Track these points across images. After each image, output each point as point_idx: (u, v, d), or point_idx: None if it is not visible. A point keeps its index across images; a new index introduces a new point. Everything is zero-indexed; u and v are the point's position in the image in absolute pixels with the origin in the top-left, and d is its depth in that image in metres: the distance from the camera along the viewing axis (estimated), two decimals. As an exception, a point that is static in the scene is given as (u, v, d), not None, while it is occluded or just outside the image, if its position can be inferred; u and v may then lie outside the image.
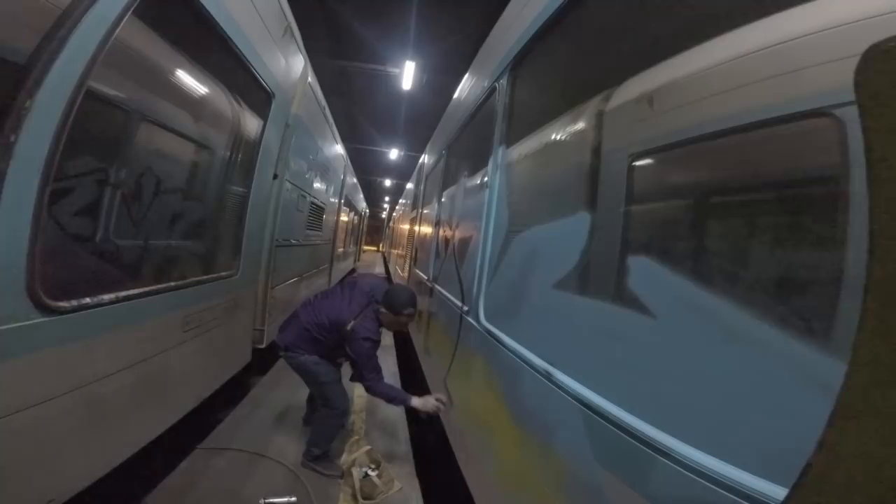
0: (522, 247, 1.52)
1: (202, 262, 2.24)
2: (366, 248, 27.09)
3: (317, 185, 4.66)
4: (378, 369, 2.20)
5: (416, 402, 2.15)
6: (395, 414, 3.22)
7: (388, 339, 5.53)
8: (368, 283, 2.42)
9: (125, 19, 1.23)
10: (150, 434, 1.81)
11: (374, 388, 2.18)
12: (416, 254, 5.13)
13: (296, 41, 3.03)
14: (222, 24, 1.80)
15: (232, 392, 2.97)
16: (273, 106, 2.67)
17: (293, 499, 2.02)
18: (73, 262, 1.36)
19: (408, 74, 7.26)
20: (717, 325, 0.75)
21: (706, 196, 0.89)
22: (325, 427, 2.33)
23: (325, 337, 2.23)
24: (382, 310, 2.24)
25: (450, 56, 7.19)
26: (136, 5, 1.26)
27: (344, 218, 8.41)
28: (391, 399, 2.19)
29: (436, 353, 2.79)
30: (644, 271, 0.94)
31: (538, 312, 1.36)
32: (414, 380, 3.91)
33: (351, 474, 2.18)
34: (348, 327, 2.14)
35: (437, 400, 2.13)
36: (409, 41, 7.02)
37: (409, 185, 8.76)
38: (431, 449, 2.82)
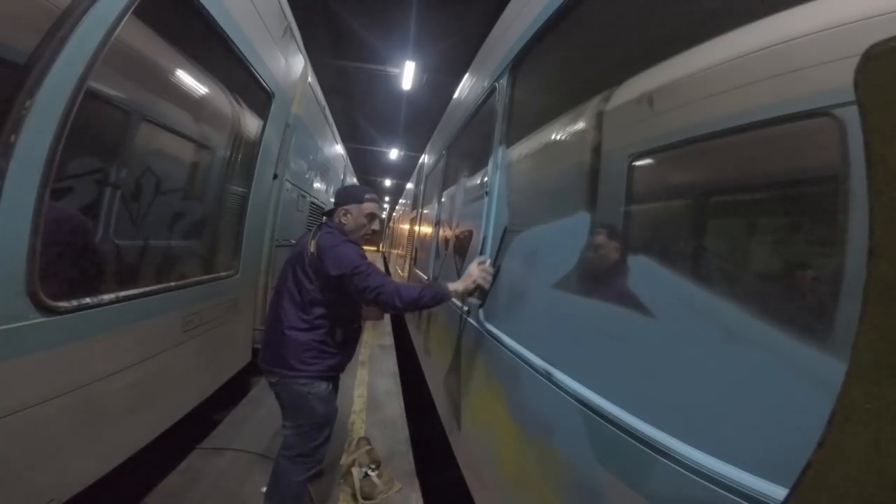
0: (522, 247, 1.52)
1: (202, 262, 2.24)
2: (366, 247, 27.02)
3: (317, 185, 4.66)
4: (379, 270, 1.58)
5: (457, 286, 1.57)
6: (395, 413, 3.22)
7: (387, 338, 5.52)
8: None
9: (125, 19, 1.23)
10: (151, 434, 1.81)
11: (398, 291, 1.50)
12: (416, 253, 5.13)
13: (296, 41, 3.03)
14: (222, 24, 1.80)
15: (232, 392, 2.97)
16: (273, 106, 2.67)
17: None
18: (73, 262, 1.36)
19: (408, 74, 7.27)
20: (717, 325, 0.75)
21: (706, 196, 0.89)
22: (294, 484, 1.68)
23: (309, 309, 1.62)
24: (343, 207, 1.75)
25: (450, 56, 7.20)
26: (136, 5, 1.26)
27: (344, 218, 8.39)
28: (422, 301, 1.52)
29: (436, 353, 2.79)
30: (644, 271, 0.94)
31: (538, 312, 1.36)
32: (414, 380, 3.91)
33: (351, 474, 2.18)
34: (311, 250, 1.60)
35: (480, 264, 1.59)
36: (409, 41, 7.03)
37: (409, 185, 8.76)
38: (431, 449, 2.82)
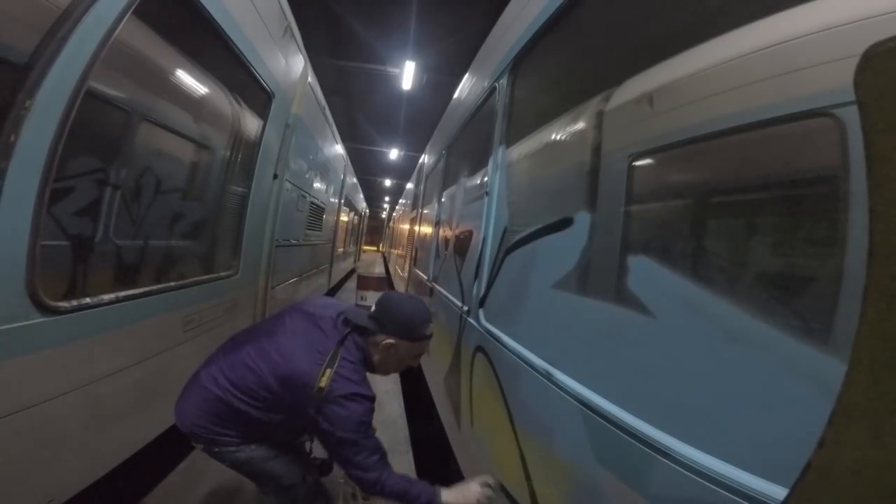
0: (523, 247, 1.52)
1: (202, 262, 2.24)
2: (366, 247, 27.15)
3: (317, 185, 4.65)
4: (380, 449, 1.30)
5: (449, 496, 1.28)
6: (396, 413, 3.22)
7: (388, 339, 5.50)
8: (329, 306, 1.44)
9: (125, 19, 1.23)
10: (151, 434, 1.81)
11: (383, 483, 1.24)
12: (416, 254, 5.13)
13: (296, 41, 3.02)
14: (222, 24, 1.80)
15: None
16: (273, 106, 2.67)
17: None
18: (73, 262, 1.36)
19: (408, 74, 7.27)
20: (717, 325, 0.75)
21: (706, 196, 0.89)
22: None
23: (265, 411, 1.28)
24: (388, 340, 1.32)
25: (450, 56, 7.19)
26: (136, 5, 1.26)
27: (344, 218, 8.42)
28: (411, 500, 1.26)
29: (436, 353, 2.79)
30: (644, 271, 0.94)
31: (538, 312, 1.36)
32: (414, 380, 3.91)
33: (351, 474, 2.18)
34: (320, 384, 1.20)
35: (484, 486, 1.32)
36: (409, 41, 7.02)
37: (409, 185, 8.77)
38: (431, 449, 2.82)
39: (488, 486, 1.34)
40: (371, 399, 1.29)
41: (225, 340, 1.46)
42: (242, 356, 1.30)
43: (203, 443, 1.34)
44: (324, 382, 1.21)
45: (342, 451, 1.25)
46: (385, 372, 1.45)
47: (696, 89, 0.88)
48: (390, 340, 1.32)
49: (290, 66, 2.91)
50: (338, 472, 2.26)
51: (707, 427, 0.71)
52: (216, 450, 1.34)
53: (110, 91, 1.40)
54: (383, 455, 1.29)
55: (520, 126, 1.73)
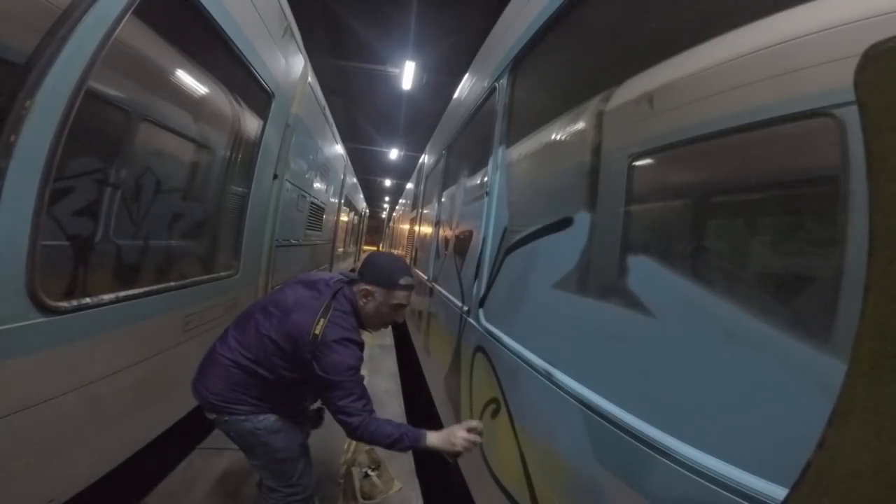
0: (523, 247, 1.52)
1: (202, 262, 2.24)
2: (366, 247, 27.14)
3: (317, 185, 4.65)
4: (366, 395, 1.38)
5: (434, 439, 1.37)
6: (395, 413, 3.22)
7: (387, 338, 5.52)
8: (321, 275, 1.59)
9: (125, 19, 1.23)
10: (151, 434, 1.81)
11: (366, 427, 1.32)
12: (416, 253, 5.13)
13: (296, 41, 3.03)
14: (222, 24, 1.80)
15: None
16: (273, 106, 2.67)
17: None
18: (73, 262, 1.36)
19: (408, 74, 7.28)
20: (717, 325, 0.75)
21: (706, 196, 0.89)
22: None
23: (274, 370, 1.39)
24: (366, 287, 1.44)
25: (450, 56, 7.20)
26: (136, 5, 1.26)
27: (344, 218, 8.41)
28: (394, 441, 1.33)
29: (436, 353, 2.79)
30: (644, 271, 0.94)
31: (538, 312, 1.36)
32: (414, 380, 3.91)
33: (351, 474, 2.18)
34: (315, 332, 1.33)
35: (470, 431, 1.39)
36: (409, 41, 7.03)
37: (409, 185, 8.76)
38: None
39: (475, 431, 1.40)
40: (360, 345, 1.40)
41: (237, 317, 1.55)
42: (253, 323, 1.43)
43: (215, 412, 1.42)
44: (318, 330, 1.34)
45: (331, 395, 1.34)
46: (371, 324, 1.53)
47: (696, 89, 0.88)
48: (369, 287, 1.45)
49: (290, 66, 2.91)
50: (336, 472, 2.27)
51: (707, 427, 0.71)
52: (226, 419, 1.42)
53: (110, 91, 1.40)
54: (368, 401, 1.38)
55: (520, 126, 1.73)
